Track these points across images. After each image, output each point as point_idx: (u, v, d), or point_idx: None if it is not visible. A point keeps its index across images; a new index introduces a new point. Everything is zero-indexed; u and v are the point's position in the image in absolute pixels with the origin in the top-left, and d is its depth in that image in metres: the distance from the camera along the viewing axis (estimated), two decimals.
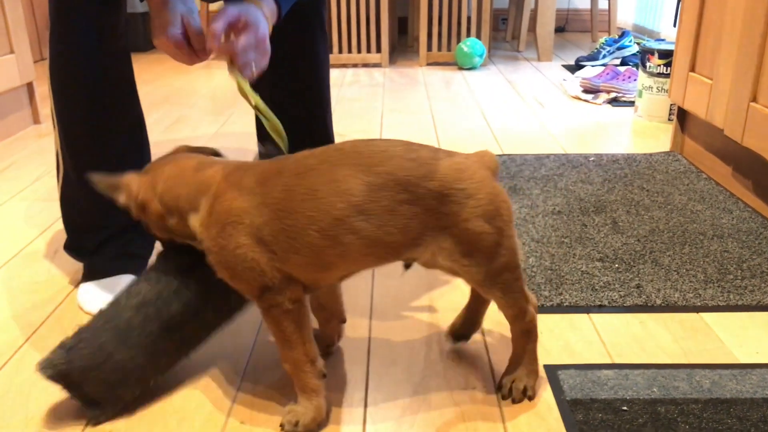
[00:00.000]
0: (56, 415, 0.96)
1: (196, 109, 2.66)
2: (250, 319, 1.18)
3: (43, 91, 2.46)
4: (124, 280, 1.25)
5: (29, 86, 2.38)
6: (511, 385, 0.98)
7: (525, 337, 0.97)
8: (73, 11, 1.16)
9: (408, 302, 1.25)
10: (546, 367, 1.05)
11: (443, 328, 1.16)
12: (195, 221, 0.91)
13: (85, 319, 1.19)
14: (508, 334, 1.13)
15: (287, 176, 0.86)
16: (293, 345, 0.89)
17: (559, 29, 4.55)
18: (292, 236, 0.84)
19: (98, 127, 1.25)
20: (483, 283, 0.90)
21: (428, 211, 0.84)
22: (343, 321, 1.10)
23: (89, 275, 1.28)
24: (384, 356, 1.09)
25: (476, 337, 1.14)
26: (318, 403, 0.91)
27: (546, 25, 3.52)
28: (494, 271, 0.89)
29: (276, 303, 0.87)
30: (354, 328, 1.17)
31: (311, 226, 0.83)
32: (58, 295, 1.29)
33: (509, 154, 2.06)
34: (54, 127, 1.27)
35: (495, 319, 1.18)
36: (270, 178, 0.87)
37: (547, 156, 2.03)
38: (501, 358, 1.07)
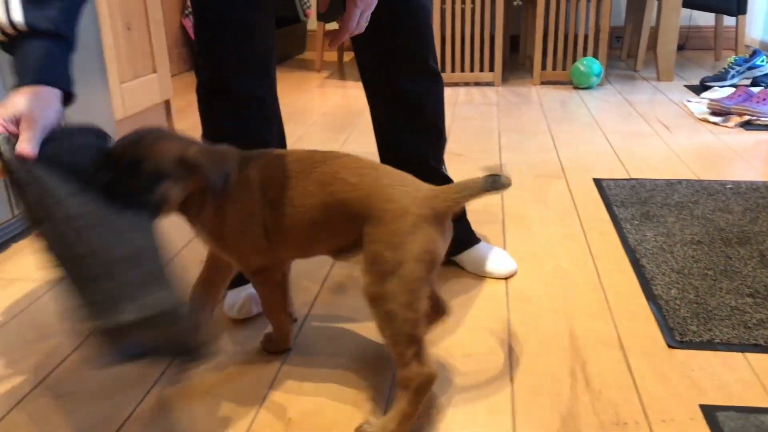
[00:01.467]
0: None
1: (317, 127, 2.74)
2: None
3: (178, 105, 2.63)
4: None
5: (167, 103, 2.53)
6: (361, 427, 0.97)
7: (402, 390, 0.94)
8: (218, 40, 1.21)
9: (548, 328, 1.24)
10: (702, 407, 1.00)
11: (587, 358, 1.14)
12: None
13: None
14: (657, 369, 1.10)
15: (282, 177, 1.02)
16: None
17: (679, 47, 4.38)
18: (284, 229, 1.02)
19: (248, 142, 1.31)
20: (370, 303, 0.95)
21: (355, 226, 0.98)
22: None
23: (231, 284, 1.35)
24: (528, 385, 1.08)
25: (622, 368, 1.11)
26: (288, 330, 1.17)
27: (668, 43, 3.40)
28: (382, 294, 0.93)
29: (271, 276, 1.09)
30: (493, 354, 1.17)
31: (293, 225, 1.02)
32: None
33: (637, 179, 2.00)
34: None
35: (648, 352, 1.15)
36: (272, 176, 1.03)
37: (679, 182, 1.96)
38: (653, 395, 1.04)
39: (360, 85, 3.57)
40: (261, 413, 1.02)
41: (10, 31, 0.88)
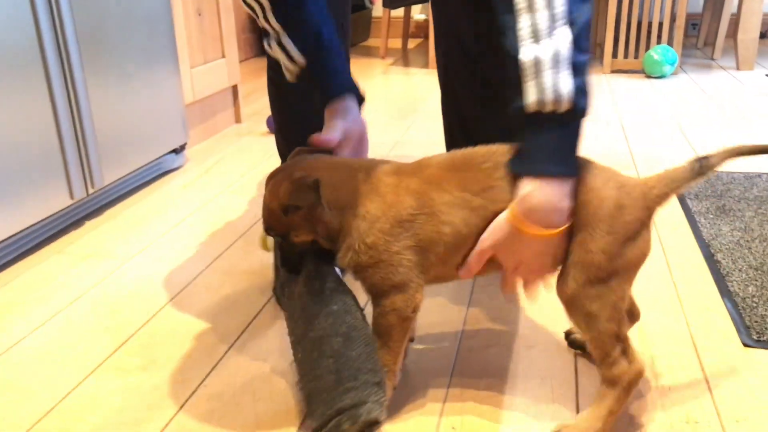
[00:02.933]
0: (277, 389, 1.03)
1: (379, 115, 2.74)
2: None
3: (243, 91, 2.68)
4: None
5: (234, 88, 2.58)
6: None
7: (608, 388, 0.90)
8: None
9: None
10: None
11: (657, 353, 1.10)
12: (357, 221, 0.92)
13: None
14: (732, 368, 1.05)
15: (436, 184, 0.91)
16: (395, 351, 0.95)
17: (761, 35, 4.17)
18: (434, 241, 0.90)
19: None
20: (569, 304, 0.90)
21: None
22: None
23: None
24: (595, 378, 1.05)
25: (694, 365, 1.06)
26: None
27: (750, 30, 3.24)
28: (587, 296, 0.88)
29: (398, 307, 0.92)
30: (559, 347, 1.14)
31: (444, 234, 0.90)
32: (270, 284, 1.38)
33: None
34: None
35: (722, 350, 1.10)
36: (429, 183, 0.91)
37: (759, 175, 1.86)
38: (727, 395, 0.99)
39: (424, 71, 3.55)
40: None
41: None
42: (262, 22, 1.10)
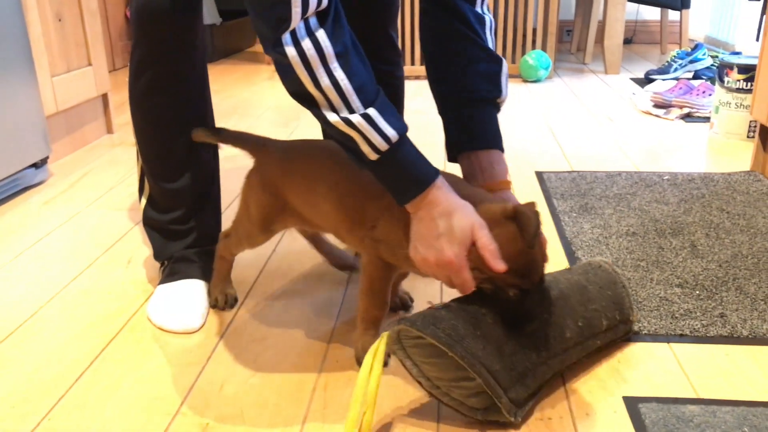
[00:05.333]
0: (133, 426, 0.97)
1: (263, 121, 2.70)
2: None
3: (116, 101, 2.56)
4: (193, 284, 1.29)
5: (104, 97, 2.45)
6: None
7: None
8: (155, 26, 1.19)
9: None
10: (625, 399, 1.00)
11: None
12: None
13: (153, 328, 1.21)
14: (584, 362, 1.09)
15: None
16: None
17: (627, 41, 4.44)
18: None
19: (175, 138, 1.28)
20: None
21: None
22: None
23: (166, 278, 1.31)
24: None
25: None
26: None
27: (614, 37, 3.44)
28: None
29: None
30: None
31: None
32: (133, 304, 1.31)
33: (579, 171, 2.00)
34: (135, 141, 1.32)
35: None
36: None
37: (619, 174, 1.97)
38: (580, 390, 1.03)
39: None
40: None
41: (384, 148, 0.93)
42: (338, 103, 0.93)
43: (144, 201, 1.35)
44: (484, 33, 1.14)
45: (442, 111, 1.17)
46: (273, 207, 1.17)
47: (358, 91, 0.92)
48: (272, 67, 3.85)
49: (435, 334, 0.91)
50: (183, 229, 1.33)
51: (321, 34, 0.90)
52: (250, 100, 3.06)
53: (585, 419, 0.97)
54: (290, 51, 0.90)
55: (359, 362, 1.08)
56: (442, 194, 0.95)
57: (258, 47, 4.45)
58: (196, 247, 1.34)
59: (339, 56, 0.91)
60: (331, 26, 0.91)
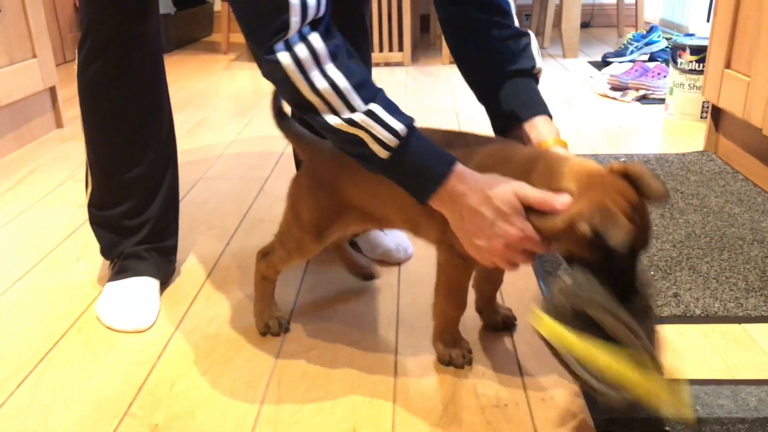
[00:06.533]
0: (79, 430, 0.94)
1: (219, 111, 2.64)
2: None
3: (66, 95, 2.48)
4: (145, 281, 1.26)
5: (52, 90, 2.38)
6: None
7: None
8: (106, 16, 1.15)
9: None
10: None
11: (474, 341, 1.12)
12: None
13: (103, 330, 1.18)
14: (542, 347, 1.09)
15: None
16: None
17: (585, 24, 4.47)
18: None
19: (126, 129, 1.24)
20: None
21: None
22: None
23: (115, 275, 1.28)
24: (413, 370, 1.05)
25: (509, 350, 1.10)
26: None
27: (571, 20, 3.45)
28: None
29: None
30: (380, 342, 1.13)
31: None
32: (81, 303, 1.27)
33: None
34: (83, 133, 1.27)
35: (527, 332, 1.14)
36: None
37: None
38: (536, 375, 1.03)
39: None
40: None
41: (394, 143, 0.89)
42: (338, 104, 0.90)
43: (88, 198, 1.31)
44: (504, 12, 1.10)
45: (482, 97, 1.13)
46: (330, 209, 1.07)
47: (357, 88, 0.88)
48: (229, 57, 3.78)
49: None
50: (134, 224, 1.29)
51: (313, 37, 0.87)
52: (207, 91, 3.00)
53: (541, 405, 0.97)
54: (283, 57, 0.86)
55: (443, 362, 1.06)
56: (467, 180, 0.89)
57: (214, 36, 4.37)
58: (148, 243, 1.30)
59: (333, 56, 0.88)
60: (323, 30, 0.88)
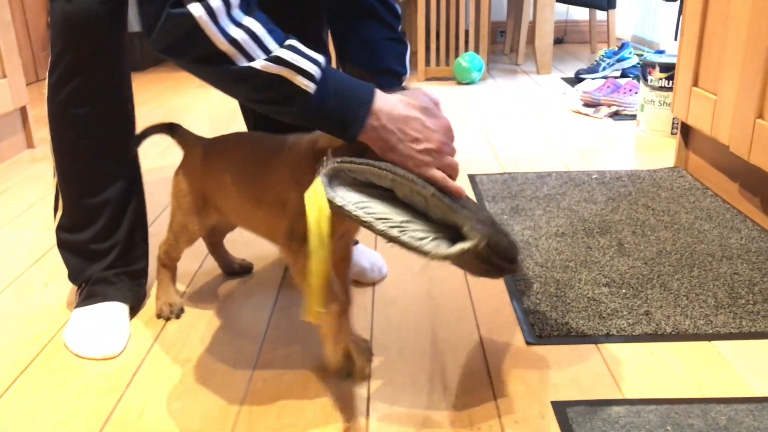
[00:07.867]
0: None
1: (194, 130, 2.61)
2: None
3: (37, 115, 2.45)
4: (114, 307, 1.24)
5: (23, 110, 2.35)
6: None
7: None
8: (84, 34, 1.15)
9: (410, 332, 1.21)
10: (554, 404, 1.00)
11: (447, 362, 1.12)
12: None
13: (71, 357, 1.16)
14: (515, 368, 1.09)
15: None
16: None
17: (558, 41, 4.53)
18: None
19: (97, 150, 1.23)
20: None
21: None
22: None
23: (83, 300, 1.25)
24: (386, 393, 1.05)
25: (482, 370, 1.10)
26: None
27: (544, 37, 3.49)
28: None
29: None
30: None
31: None
32: (49, 329, 1.25)
33: (510, 173, 2.02)
34: (52, 156, 1.26)
35: (508, 351, 1.14)
36: None
37: (549, 174, 1.99)
38: (508, 396, 1.03)
39: None
40: None
41: (318, 74, 0.88)
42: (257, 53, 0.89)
43: (57, 221, 1.29)
44: (395, 14, 1.18)
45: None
46: (201, 197, 1.20)
47: (270, 32, 0.88)
48: None
49: (369, 163, 0.88)
50: (103, 248, 1.27)
51: None
52: (181, 109, 2.99)
53: (513, 426, 0.97)
54: (195, 8, 0.84)
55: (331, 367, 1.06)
56: (384, 96, 0.92)
57: None
58: (117, 267, 1.28)
59: (243, 3, 0.88)
60: None
